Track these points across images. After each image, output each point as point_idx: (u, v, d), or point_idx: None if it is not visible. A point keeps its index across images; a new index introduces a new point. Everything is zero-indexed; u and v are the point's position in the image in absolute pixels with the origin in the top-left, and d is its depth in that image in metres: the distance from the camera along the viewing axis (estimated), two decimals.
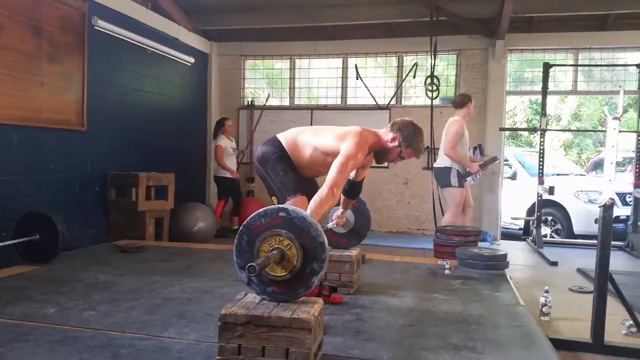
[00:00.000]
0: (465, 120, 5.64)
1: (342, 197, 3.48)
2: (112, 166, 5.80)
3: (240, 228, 2.32)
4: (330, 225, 3.45)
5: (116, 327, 2.78)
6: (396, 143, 3.05)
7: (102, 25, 5.57)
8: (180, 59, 7.26)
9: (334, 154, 2.90)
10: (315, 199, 2.72)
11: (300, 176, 3.13)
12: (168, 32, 6.98)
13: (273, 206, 2.33)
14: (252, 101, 8.36)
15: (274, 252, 2.23)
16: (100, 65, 5.65)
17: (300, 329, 2.13)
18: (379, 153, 3.12)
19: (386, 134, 3.10)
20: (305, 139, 3.11)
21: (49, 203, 4.83)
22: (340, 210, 3.52)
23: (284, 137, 3.16)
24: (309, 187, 3.10)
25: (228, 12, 7.64)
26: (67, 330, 2.72)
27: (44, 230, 4.28)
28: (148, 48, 6.47)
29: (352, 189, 3.44)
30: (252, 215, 2.31)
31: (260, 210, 2.30)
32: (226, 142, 7.02)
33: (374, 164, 3.36)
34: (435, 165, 5.85)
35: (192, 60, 7.52)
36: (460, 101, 5.69)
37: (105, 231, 5.72)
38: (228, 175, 6.99)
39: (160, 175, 6.02)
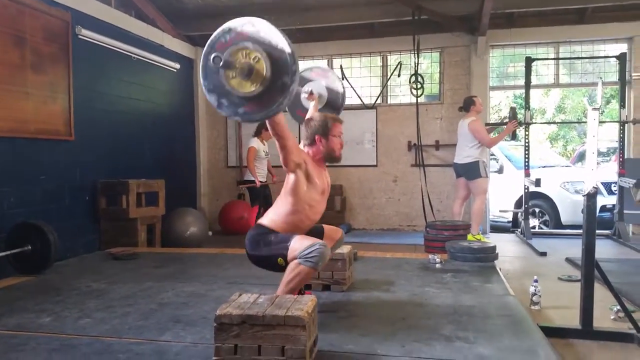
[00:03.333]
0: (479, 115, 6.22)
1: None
2: (102, 174, 5.80)
3: (205, 48, 2.24)
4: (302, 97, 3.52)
5: (112, 333, 2.80)
6: (322, 143, 2.99)
7: (86, 34, 5.57)
8: (166, 65, 7.26)
9: (291, 187, 2.86)
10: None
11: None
12: (153, 39, 6.99)
13: (237, 20, 2.29)
14: None
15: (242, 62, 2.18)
16: (86, 74, 5.65)
17: (294, 326, 2.17)
18: (326, 158, 3.06)
19: (310, 148, 3.04)
20: (282, 205, 2.96)
21: (39, 213, 4.82)
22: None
23: (270, 221, 2.96)
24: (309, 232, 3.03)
25: (211, 17, 7.65)
26: (63, 338, 2.74)
27: (35, 241, 4.28)
28: (133, 55, 6.47)
29: None
30: (215, 32, 2.24)
31: (224, 26, 2.24)
32: (259, 145, 6.53)
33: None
34: (459, 162, 6.16)
35: (177, 66, 7.53)
36: (466, 104, 6.21)
37: (97, 239, 5.71)
38: (260, 181, 6.44)
39: (151, 181, 6.03)
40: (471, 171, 6.02)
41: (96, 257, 5.16)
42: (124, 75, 6.39)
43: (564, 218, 7.69)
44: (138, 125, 6.67)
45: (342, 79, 7.75)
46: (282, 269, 2.81)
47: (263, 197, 6.60)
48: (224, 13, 7.49)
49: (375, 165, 7.89)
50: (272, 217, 2.98)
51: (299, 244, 2.76)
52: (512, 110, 6.70)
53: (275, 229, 2.91)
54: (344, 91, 3.70)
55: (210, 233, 6.98)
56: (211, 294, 3.61)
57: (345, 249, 3.72)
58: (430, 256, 4.60)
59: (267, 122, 2.56)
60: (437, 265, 4.43)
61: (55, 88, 5.20)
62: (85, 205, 5.62)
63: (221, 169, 8.43)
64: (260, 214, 6.53)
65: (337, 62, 8.02)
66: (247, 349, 2.19)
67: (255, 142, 6.52)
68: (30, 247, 4.28)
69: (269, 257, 2.86)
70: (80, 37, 5.51)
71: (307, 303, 2.31)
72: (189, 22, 7.72)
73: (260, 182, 6.43)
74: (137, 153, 6.59)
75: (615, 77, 7.14)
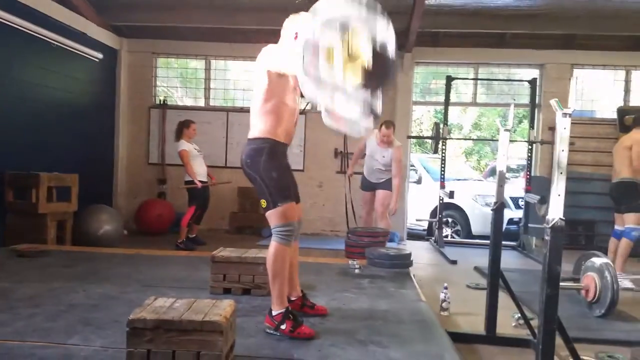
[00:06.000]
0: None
1: None
2: (11, 165, 5.42)
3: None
4: None
5: (15, 336, 2.63)
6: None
7: None
8: (87, 54, 6.94)
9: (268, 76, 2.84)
10: None
11: (291, 177, 2.98)
12: (75, 26, 6.65)
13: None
14: (164, 100, 8.16)
15: None
16: None
17: (211, 331, 2.15)
18: None
19: (290, 40, 2.95)
20: (256, 107, 2.93)
21: None
22: None
23: (257, 131, 2.89)
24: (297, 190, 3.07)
25: (140, 9, 7.42)
26: None
27: None
28: (52, 42, 6.12)
29: None
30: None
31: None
32: (189, 146, 6.25)
33: None
34: None
35: (100, 56, 7.21)
36: None
37: (1, 235, 5.33)
38: (200, 179, 6.23)
39: (63, 175, 5.73)
40: None
41: None
42: (41, 62, 6.04)
43: (474, 228, 8.15)
44: (54, 115, 6.32)
45: None
46: (262, 208, 2.88)
47: (203, 199, 6.39)
48: (152, 5, 7.30)
49: (302, 170, 7.96)
50: (254, 121, 2.93)
51: (280, 214, 2.81)
52: (436, 126, 7.02)
53: (261, 132, 2.86)
54: None
55: (125, 232, 6.72)
56: (124, 297, 3.48)
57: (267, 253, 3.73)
58: (350, 262, 4.71)
59: None
60: (356, 271, 4.54)
61: None
62: None
63: (141, 165, 8.15)
64: (196, 215, 6.39)
65: None
66: (161, 355, 2.14)
67: (185, 145, 6.24)
68: None
69: (257, 183, 2.86)
70: None
71: (225, 308, 2.30)
72: (115, 11, 7.42)
73: (201, 182, 6.25)
74: (52, 144, 6.22)
75: (527, 99, 7.67)
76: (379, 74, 2.13)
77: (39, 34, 5.84)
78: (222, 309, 2.29)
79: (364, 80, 2.10)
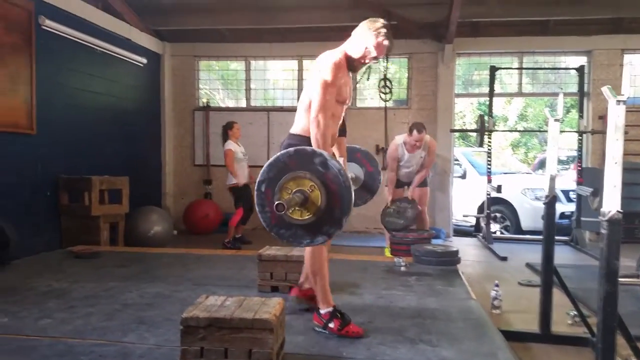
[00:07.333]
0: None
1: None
2: (64, 170, 5.64)
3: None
4: None
5: (75, 334, 2.73)
6: (359, 46, 2.92)
7: (50, 25, 5.42)
8: (132, 59, 7.13)
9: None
10: (313, 140, 2.74)
11: None
12: (119, 32, 6.85)
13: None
14: (207, 102, 8.30)
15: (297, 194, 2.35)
16: (50, 66, 5.49)
17: (262, 329, 2.17)
18: (351, 63, 2.96)
19: (349, 42, 2.97)
20: (303, 107, 2.98)
21: None
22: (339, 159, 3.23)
23: (297, 129, 2.99)
24: None
25: (181, 13, 7.57)
26: (22, 339, 2.66)
27: None
28: (98, 48, 6.33)
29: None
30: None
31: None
32: (235, 147, 6.42)
33: None
34: None
35: (144, 60, 7.40)
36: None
37: (58, 237, 5.55)
38: (243, 181, 6.42)
39: (114, 178, 5.90)
40: None
41: (57, 256, 5.01)
42: (89, 68, 6.24)
43: (524, 224, 7.91)
44: (102, 120, 6.52)
45: None
46: None
47: (247, 199, 6.44)
48: (193, 9, 7.44)
49: None
50: (299, 117, 3.03)
51: None
52: (481, 118, 6.86)
53: (304, 130, 2.93)
54: (381, 179, 3.92)
55: (175, 232, 6.88)
56: (176, 296, 3.56)
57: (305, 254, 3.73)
58: (396, 259, 4.66)
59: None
60: (402, 269, 4.49)
61: (16, 80, 5.03)
62: (46, 201, 5.45)
63: (187, 167, 8.33)
64: (244, 217, 6.49)
65: (307, 63, 8.03)
66: (214, 352, 2.18)
67: (231, 145, 6.37)
68: None
69: None
70: (43, 27, 5.35)
71: (275, 306, 2.32)
72: (158, 16, 7.60)
73: (244, 183, 6.35)
74: (101, 149, 6.44)
75: (575, 88, 7.39)
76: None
77: (85, 41, 6.04)
78: (271, 306, 2.31)
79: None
